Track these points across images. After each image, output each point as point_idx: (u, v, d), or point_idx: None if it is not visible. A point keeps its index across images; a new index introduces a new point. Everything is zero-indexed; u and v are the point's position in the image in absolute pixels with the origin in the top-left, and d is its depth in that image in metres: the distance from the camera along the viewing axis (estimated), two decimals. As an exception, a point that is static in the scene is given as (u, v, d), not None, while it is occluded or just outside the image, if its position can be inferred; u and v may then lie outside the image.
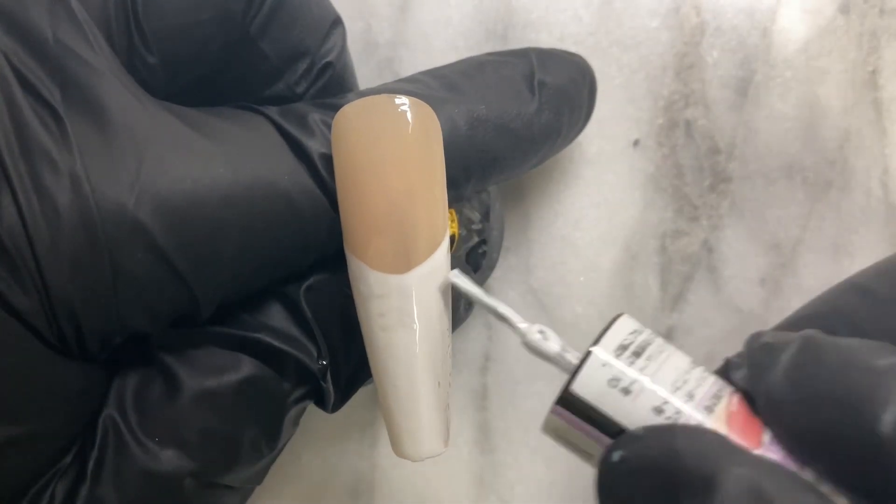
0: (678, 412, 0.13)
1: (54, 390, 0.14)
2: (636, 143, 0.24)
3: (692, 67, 0.24)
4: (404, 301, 0.15)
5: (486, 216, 0.22)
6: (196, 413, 0.15)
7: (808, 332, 0.14)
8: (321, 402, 0.17)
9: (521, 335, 0.15)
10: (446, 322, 0.16)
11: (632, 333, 0.14)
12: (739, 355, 0.15)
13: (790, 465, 0.13)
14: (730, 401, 0.14)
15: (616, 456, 0.13)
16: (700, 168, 0.24)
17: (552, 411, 0.14)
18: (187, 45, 0.15)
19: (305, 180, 0.15)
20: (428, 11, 0.24)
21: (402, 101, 0.15)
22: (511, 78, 0.19)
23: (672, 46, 0.24)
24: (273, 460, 0.17)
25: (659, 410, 0.13)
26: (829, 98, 0.24)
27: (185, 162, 0.14)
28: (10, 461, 0.14)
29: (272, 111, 0.16)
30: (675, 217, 0.24)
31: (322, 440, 0.24)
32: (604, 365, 0.14)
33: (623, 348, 0.14)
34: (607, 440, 0.14)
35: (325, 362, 0.17)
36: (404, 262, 0.15)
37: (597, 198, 0.24)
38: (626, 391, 0.14)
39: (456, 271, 0.16)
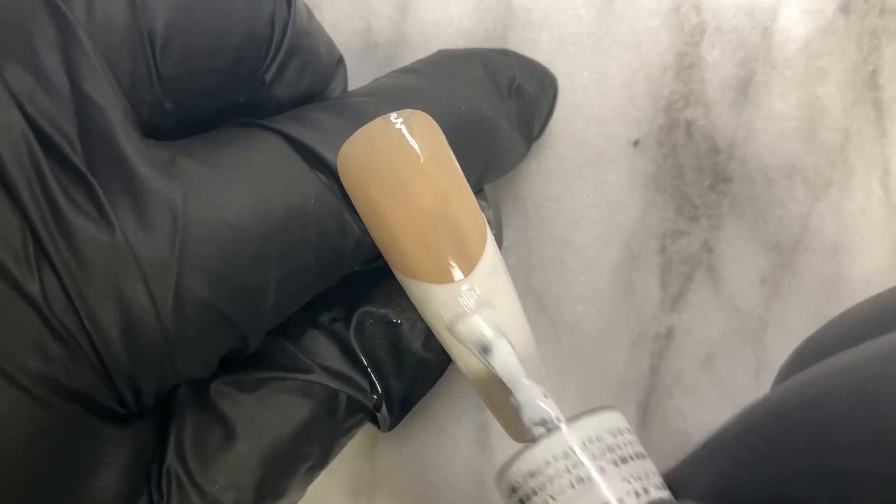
0: None
1: (119, 458, 0.14)
2: (636, 143, 0.24)
3: (692, 67, 0.24)
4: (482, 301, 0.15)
5: (482, 197, 0.22)
6: (254, 460, 0.15)
7: None
8: (375, 423, 0.18)
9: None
10: (518, 297, 0.16)
11: None
12: None
13: None
14: None
15: None
16: (700, 168, 0.24)
17: None
18: (201, 91, 0.15)
19: (331, 200, 0.15)
20: (428, 11, 0.24)
21: (397, 118, 0.15)
22: (495, 76, 0.19)
23: (672, 46, 0.24)
24: None
25: None
26: (829, 98, 0.24)
27: (217, 206, 0.14)
28: None
29: (287, 126, 0.15)
30: (675, 217, 0.24)
31: (322, 440, 0.24)
32: None
33: None
34: None
35: (376, 396, 0.17)
36: (467, 263, 0.15)
37: (597, 198, 0.24)
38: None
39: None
